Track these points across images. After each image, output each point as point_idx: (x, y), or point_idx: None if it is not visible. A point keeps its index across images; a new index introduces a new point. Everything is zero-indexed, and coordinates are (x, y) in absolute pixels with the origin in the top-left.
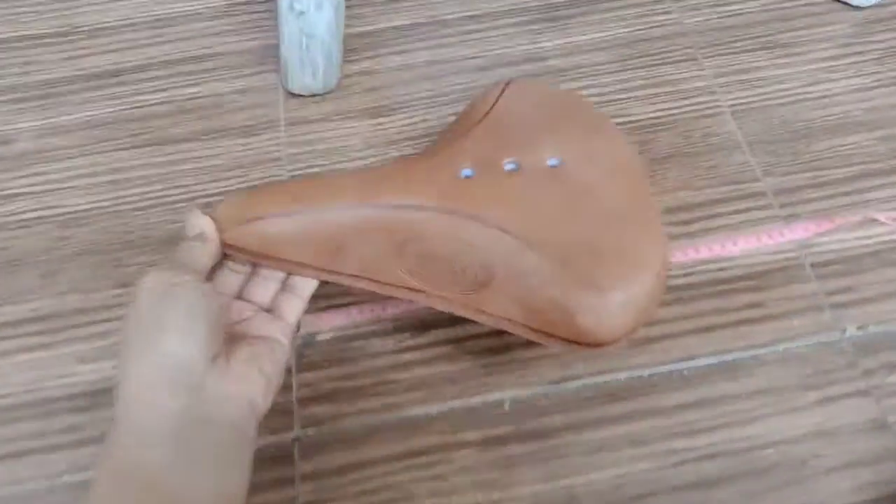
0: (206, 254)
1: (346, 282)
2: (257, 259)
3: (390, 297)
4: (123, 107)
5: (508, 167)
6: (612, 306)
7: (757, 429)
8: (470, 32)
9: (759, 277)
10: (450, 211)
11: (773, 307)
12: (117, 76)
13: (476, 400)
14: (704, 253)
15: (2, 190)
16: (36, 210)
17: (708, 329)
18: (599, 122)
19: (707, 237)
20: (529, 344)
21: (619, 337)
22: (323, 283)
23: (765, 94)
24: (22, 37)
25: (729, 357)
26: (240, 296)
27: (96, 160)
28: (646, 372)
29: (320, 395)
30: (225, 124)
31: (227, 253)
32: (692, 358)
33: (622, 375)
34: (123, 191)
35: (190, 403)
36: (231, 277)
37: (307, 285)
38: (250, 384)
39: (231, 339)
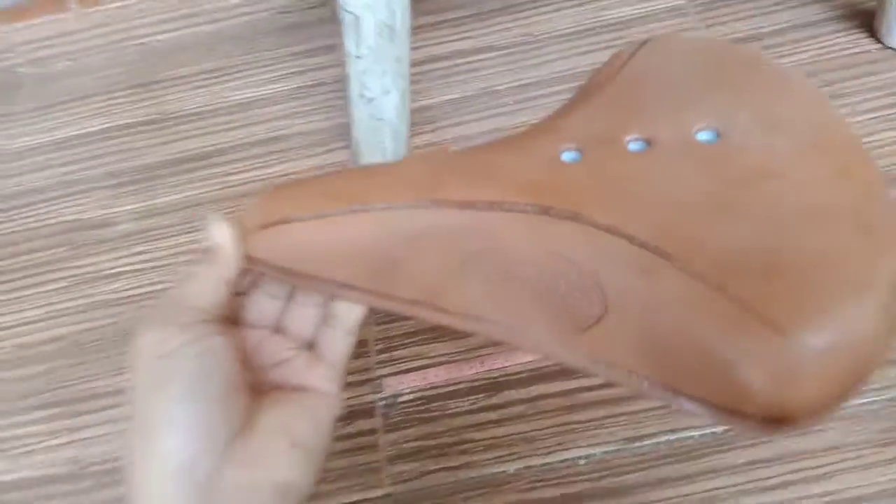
0: (219, 280)
1: (404, 310)
2: (285, 277)
3: (464, 360)
4: (215, 187)
5: (634, 146)
6: (804, 357)
7: (832, 485)
8: (525, 100)
9: None
10: (541, 209)
11: None
12: (205, 159)
13: (551, 458)
14: None
15: (108, 269)
16: (140, 287)
17: None
18: (781, 75)
19: None
20: (603, 402)
21: (817, 408)
22: (400, 346)
23: None
24: (117, 126)
25: None
26: (277, 327)
27: (195, 238)
28: (719, 428)
29: (406, 454)
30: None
31: (249, 269)
32: None
33: (695, 433)
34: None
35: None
36: (266, 303)
37: (351, 312)
38: (279, 464)
39: (261, 393)
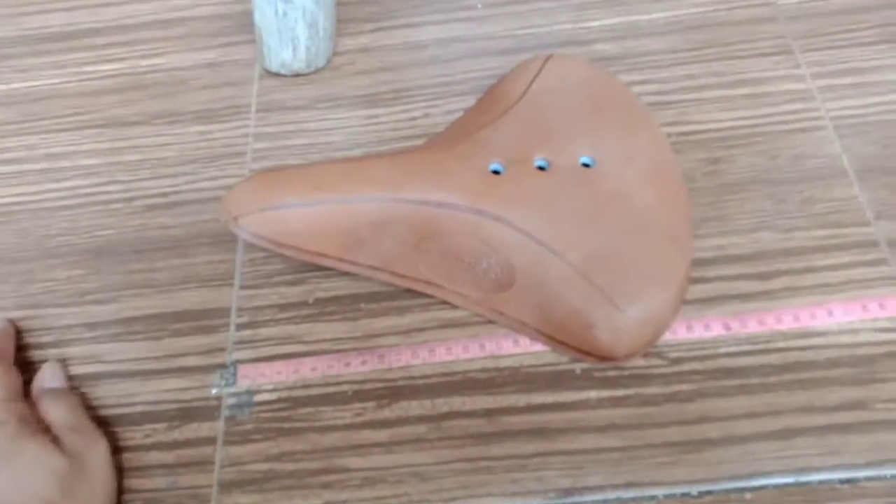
0: None
1: (365, 273)
2: (274, 246)
3: (354, 349)
4: (70, 78)
5: (539, 163)
6: (629, 323)
7: None
8: (497, 5)
9: (863, 364)
10: (476, 211)
11: (880, 411)
12: (68, 40)
13: None
14: (788, 322)
15: None
16: None
17: (784, 434)
18: (641, 117)
19: (792, 300)
20: (535, 432)
21: (633, 353)
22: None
23: (883, 104)
24: None
25: (811, 478)
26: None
27: (30, 142)
28: (694, 489)
29: (247, 481)
30: (183, 106)
31: (246, 239)
32: (758, 475)
33: (660, 492)
34: (54, 183)
35: None
36: None
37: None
38: None
39: None
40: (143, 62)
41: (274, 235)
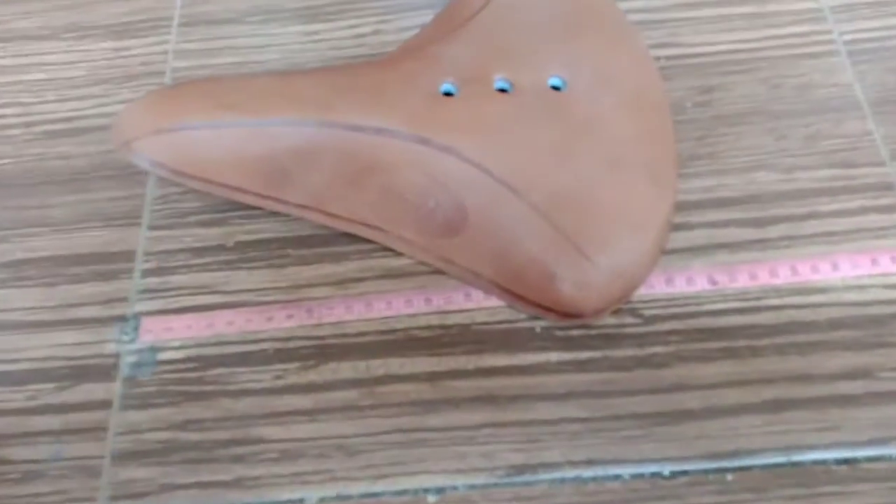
0: None
1: (293, 212)
2: (181, 178)
3: (279, 302)
4: None
5: (499, 84)
6: (598, 275)
7: None
8: None
9: (870, 327)
10: (422, 140)
11: (887, 381)
12: None
13: (381, 487)
14: (784, 276)
15: None
16: None
17: (775, 406)
18: (624, 34)
19: (791, 251)
20: (485, 399)
21: (602, 309)
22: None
23: None
24: None
25: (804, 457)
26: None
27: None
28: (666, 468)
29: (145, 451)
30: (96, 18)
31: (145, 168)
32: (743, 453)
33: (626, 471)
34: None
35: None
36: None
37: None
38: None
39: None
40: None
41: (175, 163)
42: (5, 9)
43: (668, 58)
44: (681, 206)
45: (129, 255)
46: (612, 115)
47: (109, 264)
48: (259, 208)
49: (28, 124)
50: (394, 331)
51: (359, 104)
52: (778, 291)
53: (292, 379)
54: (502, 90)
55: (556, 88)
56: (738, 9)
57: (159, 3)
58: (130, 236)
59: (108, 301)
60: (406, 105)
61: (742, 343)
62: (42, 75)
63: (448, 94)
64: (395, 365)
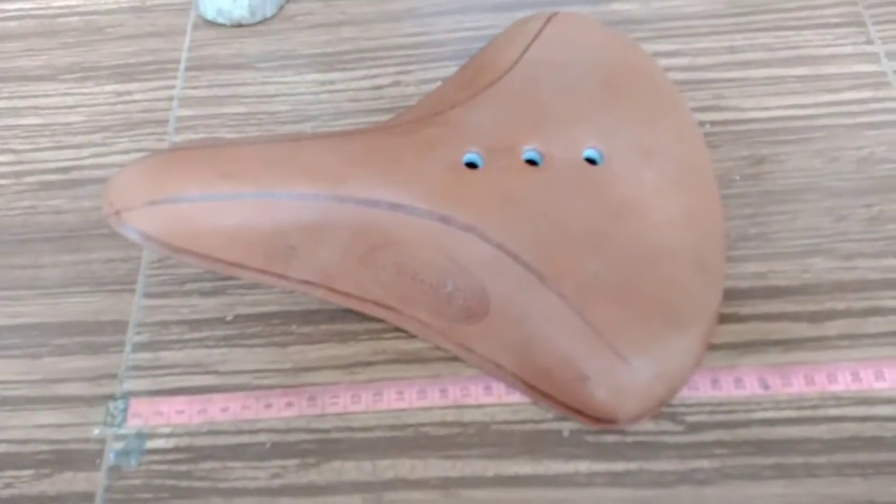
0: None
1: (297, 288)
2: (173, 253)
3: (279, 387)
4: None
5: (528, 155)
6: (635, 379)
7: None
8: None
9: None
10: (442, 218)
11: None
12: None
13: None
14: (844, 382)
15: None
16: None
17: None
18: (667, 99)
19: (851, 352)
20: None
21: (639, 416)
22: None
23: None
24: None
25: None
26: None
27: None
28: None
29: None
30: (98, 59)
31: (134, 240)
32: None
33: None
34: None
35: None
36: None
37: None
38: None
39: None
40: (55, 2)
41: (169, 238)
42: (9, 44)
43: (713, 122)
44: (728, 294)
45: (120, 326)
46: (653, 193)
47: (99, 335)
48: (257, 284)
49: (19, 174)
50: (405, 426)
51: (374, 176)
52: (838, 400)
53: (291, 478)
54: (532, 162)
55: (591, 161)
56: (792, 70)
57: (167, 44)
58: (123, 304)
59: (96, 378)
60: (425, 178)
61: (797, 460)
62: (37, 119)
63: (472, 165)
64: (406, 467)
